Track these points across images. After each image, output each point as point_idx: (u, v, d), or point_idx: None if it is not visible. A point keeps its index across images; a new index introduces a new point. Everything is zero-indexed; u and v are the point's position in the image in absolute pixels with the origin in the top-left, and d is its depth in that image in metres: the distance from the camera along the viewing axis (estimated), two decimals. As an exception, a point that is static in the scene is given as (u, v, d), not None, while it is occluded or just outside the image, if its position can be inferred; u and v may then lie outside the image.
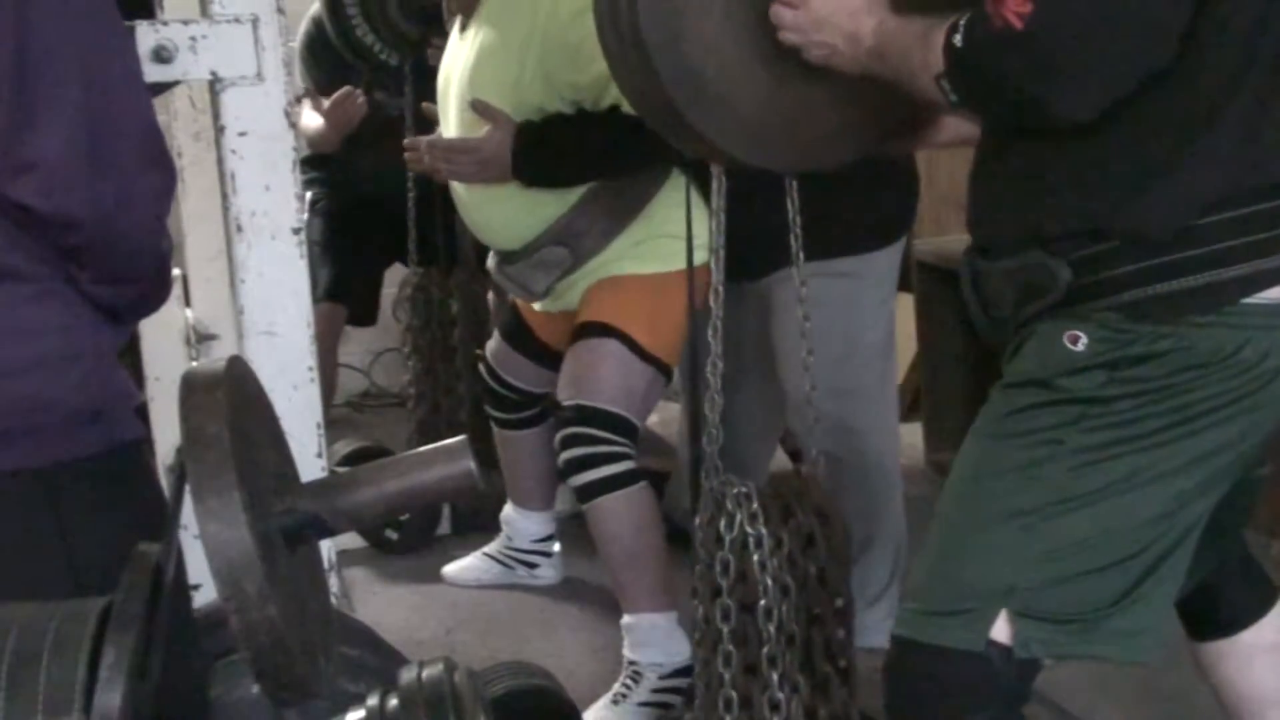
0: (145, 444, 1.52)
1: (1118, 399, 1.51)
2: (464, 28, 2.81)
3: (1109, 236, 1.51)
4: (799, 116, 1.78)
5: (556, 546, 3.32)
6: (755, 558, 1.92)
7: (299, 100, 3.77)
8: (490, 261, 2.92)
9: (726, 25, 1.72)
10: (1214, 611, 1.84)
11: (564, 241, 2.71)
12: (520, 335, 3.03)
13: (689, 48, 1.71)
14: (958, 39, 1.47)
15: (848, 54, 1.64)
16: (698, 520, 2.01)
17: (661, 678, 2.62)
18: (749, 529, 1.92)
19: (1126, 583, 1.54)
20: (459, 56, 2.79)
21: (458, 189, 2.83)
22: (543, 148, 2.62)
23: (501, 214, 2.76)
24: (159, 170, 1.40)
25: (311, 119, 3.75)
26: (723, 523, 1.94)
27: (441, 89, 2.88)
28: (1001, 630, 1.54)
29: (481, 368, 3.15)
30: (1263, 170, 1.49)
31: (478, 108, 2.66)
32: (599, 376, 2.64)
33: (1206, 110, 1.47)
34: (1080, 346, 1.52)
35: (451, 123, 2.81)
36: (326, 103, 3.71)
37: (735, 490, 1.96)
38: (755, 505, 1.93)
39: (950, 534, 1.61)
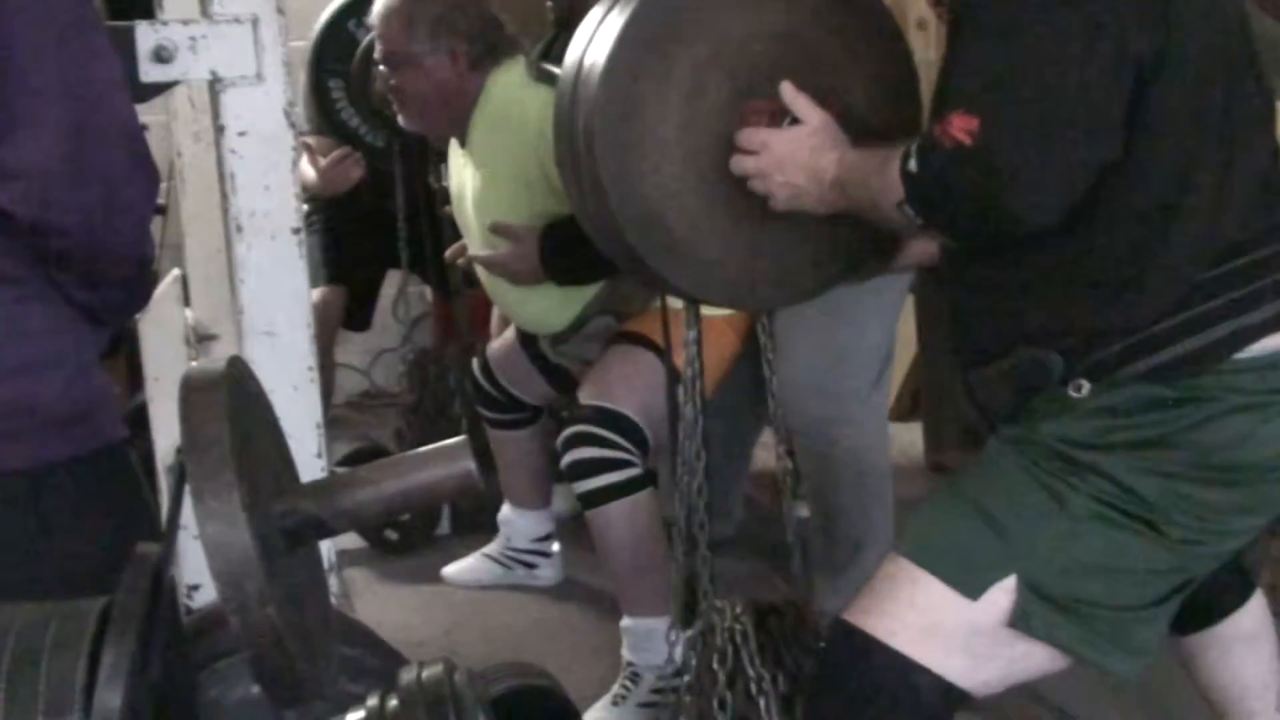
0: (129, 445, 1.52)
1: (1119, 449, 1.52)
2: (463, 143, 2.83)
3: (1097, 330, 1.53)
4: (761, 257, 1.77)
5: (556, 547, 3.32)
6: (761, 703, 1.88)
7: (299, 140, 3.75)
8: (543, 343, 2.92)
9: (686, 172, 1.71)
10: (1194, 605, 1.83)
11: (610, 310, 2.74)
12: (535, 346, 3.01)
13: (648, 194, 1.70)
14: (912, 164, 1.50)
15: (812, 191, 1.66)
16: (678, 639, 1.98)
17: (660, 678, 2.62)
18: (750, 670, 1.89)
19: (1141, 601, 1.55)
20: (466, 175, 2.82)
21: (489, 288, 2.86)
22: (570, 250, 2.61)
23: (539, 307, 2.79)
24: (142, 176, 1.40)
25: (307, 170, 3.69)
26: (715, 658, 1.91)
27: (456, 201, 2.91)
28: (940, 654, 1.53)
29: (476, 363, 3.14)
30: (1237, 232, 1.52)
31: (498, 230, 2.67)
32: (627, 384, 2.63)
33: (1167, 201, 1.49)
34: (1084, 392, 1.54)
35: (474, 236, 2.83)
36: (323, 161, 3.66)
37: (728, 625, 1.91)
38: (754, 646, 1.90)
39: (966, 503, 1.59)
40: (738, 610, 1.91)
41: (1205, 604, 1.85)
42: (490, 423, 3.16)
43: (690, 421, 1.97)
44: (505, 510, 3.29)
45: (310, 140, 3.69)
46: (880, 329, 2.72)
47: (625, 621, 2.67)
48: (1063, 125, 1.44)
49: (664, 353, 2.62)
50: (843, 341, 2.63)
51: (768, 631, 1.92)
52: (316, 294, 3.58)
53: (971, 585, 1.52)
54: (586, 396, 2.65)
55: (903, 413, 4.16)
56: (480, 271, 2.86)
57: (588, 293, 2.74)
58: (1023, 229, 1.49)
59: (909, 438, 3.91)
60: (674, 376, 2.17)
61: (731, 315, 2.65)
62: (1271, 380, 1.51)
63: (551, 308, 2.78)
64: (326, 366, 4.03)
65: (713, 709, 1.90)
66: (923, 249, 1.76)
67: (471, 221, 2.83)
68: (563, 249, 2.61)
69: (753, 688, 1.88)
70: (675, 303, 2.51)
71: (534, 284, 2.69)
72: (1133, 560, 1.53)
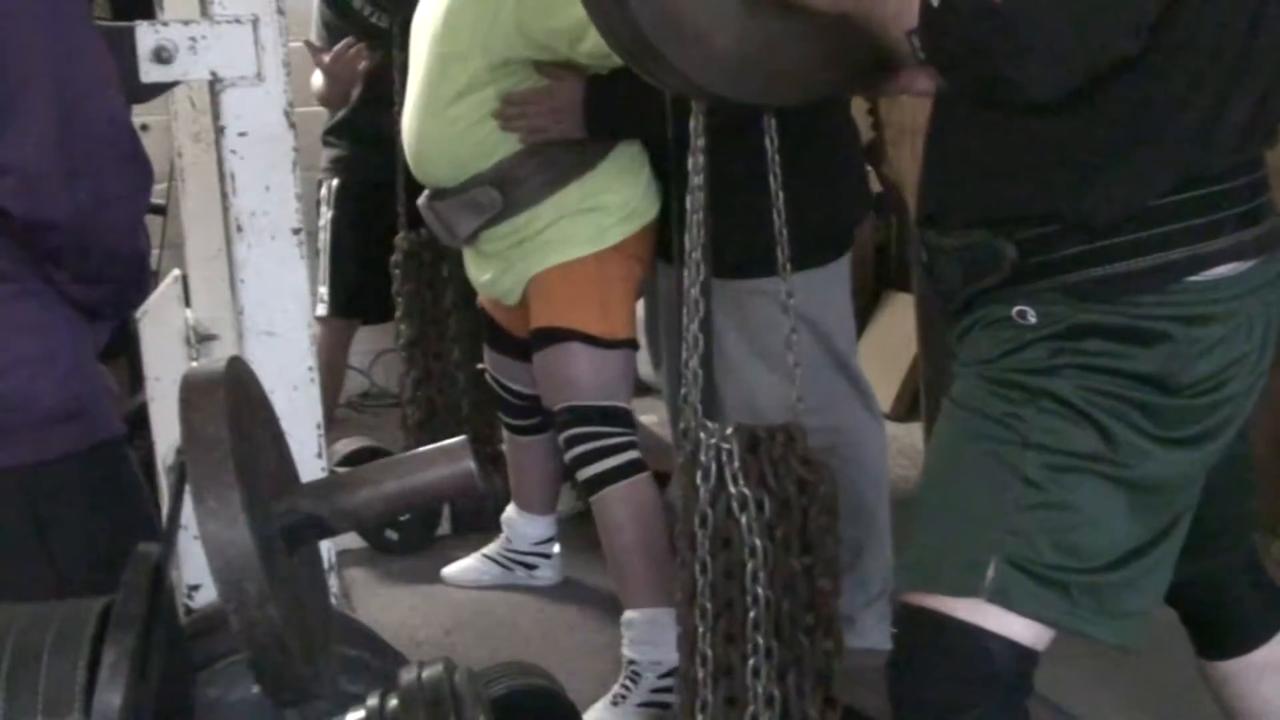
0: (126, 442, 1.52)
1: (1065, 370, 1.52)
2: None
3: (1054, 220, 1.53)
4: (774, 50, 1.75)
5: (556, 548, 3.32)
6: (743, 520, 1.88)
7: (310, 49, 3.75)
8: (421, 198, 2.85)
9: None
10: (1227, 632, 1.84)
11: (499, 185, 2.66)
12: (498, 336, 3.04)
13: None
14: None
15: None
16: (678, 461, 1.97)
17: (660, 676, 2.62)
18: (731, 489, 1.88)
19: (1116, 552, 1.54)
20: (435, 4, 2.73)
21: (407, 120, 2.78)
22: (614, 99, 2.58)
23: (447, 148, 2.70)
24: (134, 170, 1.40)
25: (315, 79, 3.70)
26: (699, 475, 1.90)
27: (416, 30, 2.81)
28: (998, 618, 1.53)
29: (488, 377, 3.16)
30: (1210, 162, 1.51)
31: (548, 74, 2.61)
32: (573, 380, 2.66)
33: (1168, 107, 1.49)
34: (1030, 320, 1.55)
35: (420, 65, 2.73)
36: (327, 57, 3.63)
37: (713, 441, 1.91)
38: (737, 464, 1.89)
39: (935, 498, 1.61)
40: (726, 431, 1.92)
41: (1240, 633, 1.84)
42: (509, 427, 3.19)
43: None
44: (510, 511, 3.30)
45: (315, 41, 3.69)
46: (838, 333, 2.70)
47: (627, 614, 2.67)
48: (1096, 11, 1.42)
49: (588, 337, 2.64)
50: (809, 351, 2.61)
51: (755, 455, 1.92)
52: (323, 331, 3.57)
53: (972, 585, 1.53)
54: (551, 403, 2.70)
55: (902, 413, 4.16)
56: (411, 98, 2.76)
57: (491, 156, 2.66)
58: (1018, 99, 1.48)
59: (909, 438, 3.91)
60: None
61: (626, 243, 2.68)
62: (1214, 300, 1.51)
63: (453, 154, 2.69)
64: (337, 374, 4.03)
65: (693, 526, 1.91)
66: (923, 85, 1.73)
67: (424, 48, 2.71)
68: (608, 97, 2.56)
69: (734, 506, 1.89)
70: (581, 250, 2.61)
71: (570, 134, 2.61)
72: (1092, 502, 1.52)
